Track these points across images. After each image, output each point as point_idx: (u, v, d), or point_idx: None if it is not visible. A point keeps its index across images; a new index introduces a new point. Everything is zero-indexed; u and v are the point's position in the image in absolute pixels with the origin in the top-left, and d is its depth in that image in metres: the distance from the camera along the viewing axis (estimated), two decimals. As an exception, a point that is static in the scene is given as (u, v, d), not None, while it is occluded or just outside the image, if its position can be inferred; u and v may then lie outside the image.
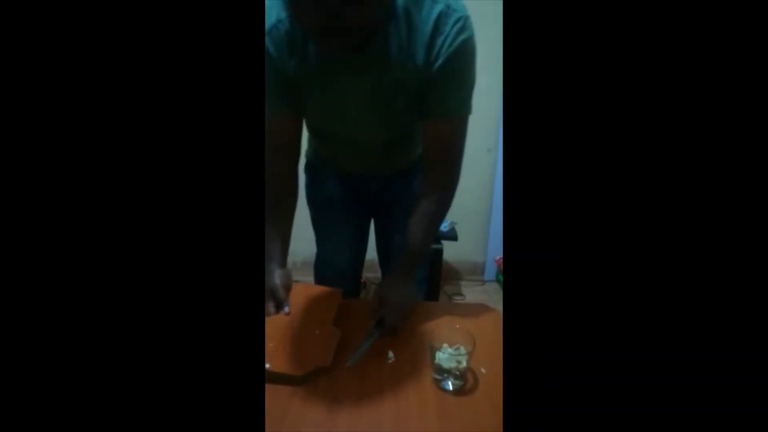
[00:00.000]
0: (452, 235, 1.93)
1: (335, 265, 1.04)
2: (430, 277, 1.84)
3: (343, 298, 0.84)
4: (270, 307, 0.78)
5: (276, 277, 0.79)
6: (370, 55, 0.65)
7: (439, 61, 0.64)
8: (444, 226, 1.95)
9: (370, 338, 0.68)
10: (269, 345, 0.70)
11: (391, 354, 0.71)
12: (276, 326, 0.75)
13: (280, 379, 0.65)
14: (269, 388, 0.63)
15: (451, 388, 0.64)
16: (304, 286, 0.87)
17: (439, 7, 0.62)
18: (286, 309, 0.77)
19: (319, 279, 1.07)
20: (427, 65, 0.65)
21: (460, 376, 0.64)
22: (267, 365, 0.65)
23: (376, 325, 0.70)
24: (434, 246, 1.84)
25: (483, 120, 1.99)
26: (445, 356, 0.63)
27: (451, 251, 2.05)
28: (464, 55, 0.65)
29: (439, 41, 0.63)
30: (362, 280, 1.79)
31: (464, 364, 0.63)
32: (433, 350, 0.64)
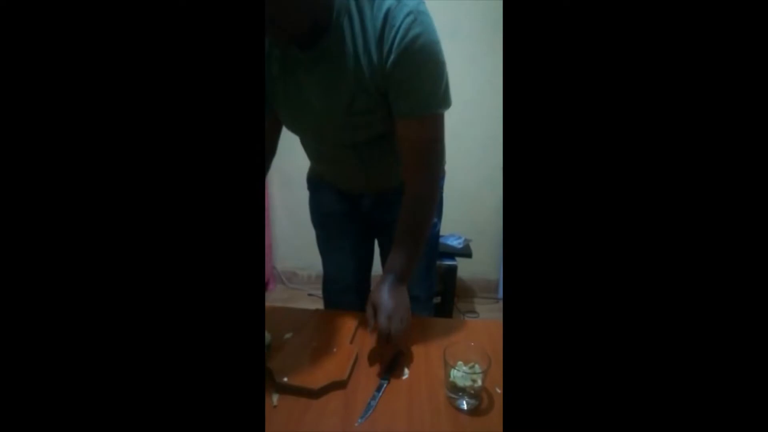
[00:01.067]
0: (466, 252, 1.93)
1: (341, 280, 1.04)
2: (444, 294, 1.84)
3: (353, 311, 0.85)
4: None
5: None
6: (324, 51, 0.67)
7: (392, 57, 0.63)
8: (458, 243, 1.96)
9: (378, 392, 0.67)
10: (288, 361, 0.72)
11: (406, 371, 0.72)
12: (296, 345, 0.77)
13: (297, 392, 0.66)
14: (285, 401, 0.65)
15: (465, 407, 0.64)
16: (325, 314, 0.91)
17: (388, 2, 0.62)
18: None
19: (327, 295, 1.07)
20: (380, 61, 0.64)
21: (475, 395, 0.64)
22: (285, 379, 0.67)
23: (385, 374, 0.70)
24: (448, 263, 1.84)
25: (496, 136, 2.00)
26: (459, 374, 0.64)
27: (465, 268, 2.05)
28: (418, 50, 0.63)
29: (389, 36, 0.62)
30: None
31: (479, 383, 0.63)
32: (447, 368, 0.65)
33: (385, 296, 0.72)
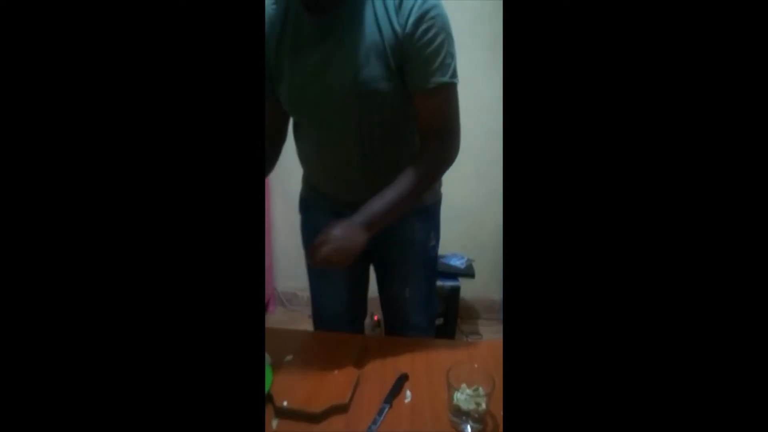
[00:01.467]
0: (469, 272, 1.91)
1: (330, 308, 1.01)
2: (446, 315, 1.82)
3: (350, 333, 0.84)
4: None
5: None
6: (341, 17, 0.70)
7: (411, 20, 0.67)
8: (461, 263, 1.94)
9: (381, 415, 0.65)
10: (289, 384, 0.70)
11: (408, 393, 0.70)
12: (296, 368, 0.76)
13: (297, 416, 0.64)
14: (285, 425, 0.63)
15: (470, 431, 0.62)
16: (326, 336, 0.90)
17: None
18: None
19: (318, 324, 1.04)
20: (400, 27, 0.69)
21: (479, 419, 0.63)
22: (285, 402, 0.65)
23: (387, 398, 0.69)
24: (451, 284, 1.82)
25: (499, 152, 2.01)
26: (463, 397, 0.62)
27: (467, 288, 2.03)
28: (434, 17, 0.68)
29: (408, 2, 0.67)
30: (375, 318, 1.78)
31: (483, 406, 0.62)
32: (451, 390, 0.63)
33: (340, 227, 0.74)
